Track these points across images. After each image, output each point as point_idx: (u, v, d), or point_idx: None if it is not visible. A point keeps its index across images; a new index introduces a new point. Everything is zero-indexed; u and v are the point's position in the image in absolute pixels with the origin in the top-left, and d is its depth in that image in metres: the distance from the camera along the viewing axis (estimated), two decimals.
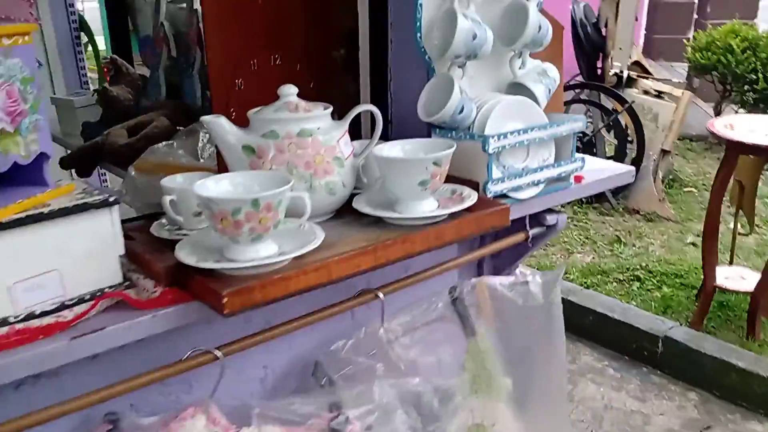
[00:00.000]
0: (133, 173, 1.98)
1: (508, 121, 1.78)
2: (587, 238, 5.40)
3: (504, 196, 1.77)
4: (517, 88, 1.88)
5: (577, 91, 5.96)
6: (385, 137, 1.95)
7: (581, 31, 5.70)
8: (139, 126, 2.33)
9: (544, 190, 1.86)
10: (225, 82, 1.87)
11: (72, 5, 3.95)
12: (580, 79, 6.02)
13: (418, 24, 1.72)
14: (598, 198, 5.92)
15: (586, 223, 5.62)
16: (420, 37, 1.73)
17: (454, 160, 1.76)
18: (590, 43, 5.74)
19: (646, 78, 5.83)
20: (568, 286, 4.47)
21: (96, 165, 2.39)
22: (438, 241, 1.52)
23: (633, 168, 2.11)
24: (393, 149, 1.62)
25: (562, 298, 1.82)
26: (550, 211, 1.94)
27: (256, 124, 1.54)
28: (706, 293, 4.01)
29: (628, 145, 5.85)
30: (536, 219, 1.93)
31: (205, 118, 1.51)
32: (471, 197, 1.61)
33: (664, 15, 9.21)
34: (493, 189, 1.72)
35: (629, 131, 5.78)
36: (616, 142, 5.91)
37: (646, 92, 5.75)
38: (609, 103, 5.78)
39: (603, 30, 5.77)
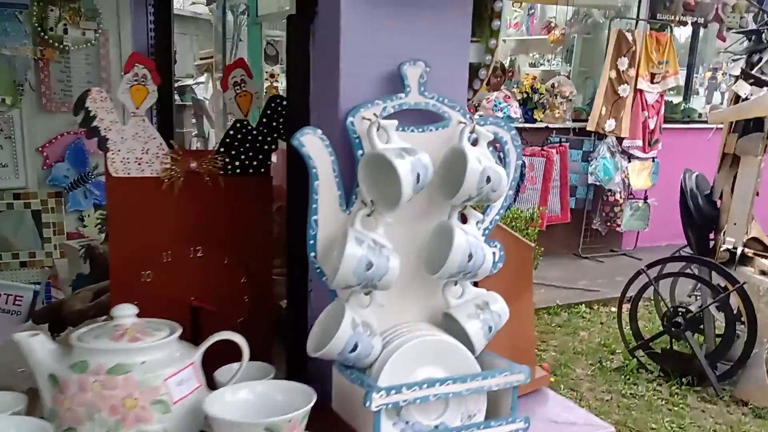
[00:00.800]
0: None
1: (422, 365, 1.38)
2: (680, 427, 4.63)
3: None
4: (452, 320, 1.47)
5: (684, 264, 5.30)
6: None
7: (691, 202, 5.09)
8: (101, 291, 2.11)
9: None
10: (128, 272, 1.60)
11: None
12: (688, 251, 5.36)
13: (312, 242, 1.38)
14: (701, 380, 5.15)
15: (682, 408, 4.85)
16: (315, 257, 1.39)
17: (350, 403, 1.38)
18: (701, 215, 5.11)
19: (765, 257, 5.08)
20: None
21: (64, 324, 2.17)
22: None
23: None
24: (235, 395, 1.26)
25: None
26: None
27: (74, 350, 1.24)
28: None
29: (740, 327, 5.08)
30: None
31: (15, 336, 1.22)
32: None
33: None
34: None
35: (741, 313, 5.02)
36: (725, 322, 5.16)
37: (763, 272, 5.00)
38: (720, 279, 5.08)
39: (717, 202, 5.14)
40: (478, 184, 1.37)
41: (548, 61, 8.35)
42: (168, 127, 2.23)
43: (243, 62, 1.68)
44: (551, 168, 6.79)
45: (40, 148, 3.55)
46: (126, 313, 1.26)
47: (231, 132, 1.66)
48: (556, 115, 6.91)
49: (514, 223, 5.13)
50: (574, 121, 7.07)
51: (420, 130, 1.43)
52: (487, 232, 1.53)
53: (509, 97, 6.78)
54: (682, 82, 7.81)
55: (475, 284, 1.54)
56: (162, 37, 2.31)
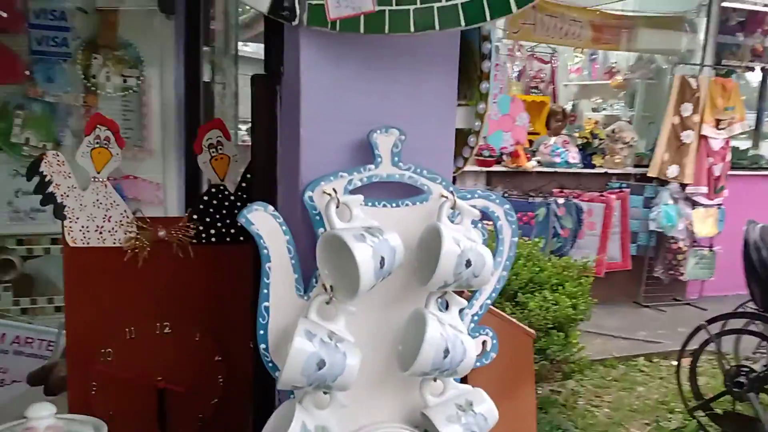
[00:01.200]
0: None
1: None
2: None
3: None
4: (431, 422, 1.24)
5: (747, 320, 4.86)
6: None
7: (755, 255, 4.67)
8: None
9: None
10: (86, 351, 1.43)
11: None
12: (751, 305, 4.92)
13: (262, 333, 1.17)
14: None
15: None
16: (266, 350, 1.18)
17: None
18: (765, 269, 4.69)
19: None
20: None
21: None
22: None
23: None
24: None
25: None
26: None
27: None
28: None
29: None
30: None
31: None
32: None
33: None
34: None
35: None
36: None
37: None
38: None
39: None
40: (455, 268, 1.14)
41: (611, 106, 7.99)
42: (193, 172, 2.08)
43: (220, 123, 1.50)
44: (611, 214, 6.42)
45: None
46: (40, 414, 1.08)
47: (206, 198, 1.48)
48: (616, 161, 6.55)
49: (566, 272, 4.82)
50: (635, 166, 6.69)
51: (393, 205, 1.22)
52: (476, 318, 1.30)
53: (567, 142, 6.48)
54: (749, 128, 7.34)
55: (465, 377, 1.31)
56: (191, 83, 2.19)
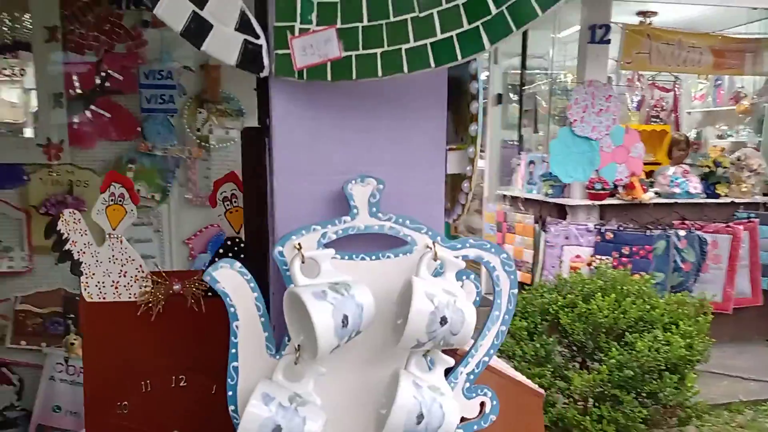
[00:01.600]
0: None
1: None
2: None
3: None
4: None
5: None
6: None
7: None
8: None
9: None
10: (103, 404, 1.42)
11: None
12: None
13: (231, 394, 1.10)
14: None
15: None
16: (235, 411, 1.11)
17: None
18: None
19: None
20: None
21: None
22: None
23: None
24: None
25: None
26: None
27: None
28: None
29: None
30: None
31: None
32: None
33: None
34: None
35: None
36: None
37: None
38: None
39: None
40: (428, 326, 1.02)
41: (737, 132, 7.37)
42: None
43: (234, 176, 1.46)
44: (738, 246, 5.86)
45: (186, 240, 3.59)
46: None
47: (221, 250, 1.44)
48: (743, 190, 6.00)
49: (681, 309, 4.42)
50: (764, 195, 6.10)
51: (373, 258, 1.11)
52: (472, 378, 1.16)
53: (688, 172, 6.01)
54: None
55: None
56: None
